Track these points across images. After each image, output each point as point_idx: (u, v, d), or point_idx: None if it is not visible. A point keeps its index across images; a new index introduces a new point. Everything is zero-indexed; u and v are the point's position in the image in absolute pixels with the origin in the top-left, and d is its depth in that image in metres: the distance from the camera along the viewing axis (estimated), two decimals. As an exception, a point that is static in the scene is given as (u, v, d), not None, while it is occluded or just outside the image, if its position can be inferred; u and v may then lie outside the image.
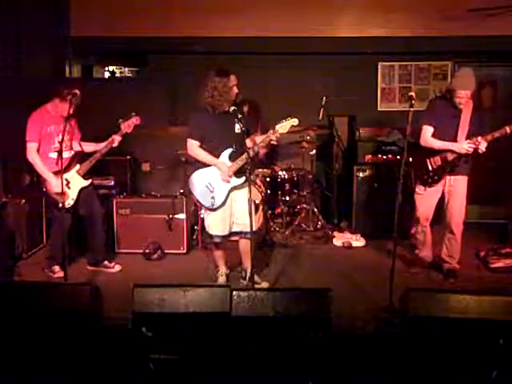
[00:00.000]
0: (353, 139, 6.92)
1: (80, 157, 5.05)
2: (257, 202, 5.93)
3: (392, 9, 6.83)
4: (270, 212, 6.39)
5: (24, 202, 5.57)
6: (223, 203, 4.60)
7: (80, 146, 5.07)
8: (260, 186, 6.12)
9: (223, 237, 4.73)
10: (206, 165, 4.62)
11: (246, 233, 4.59)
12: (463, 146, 4.62)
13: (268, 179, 6.41)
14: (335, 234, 6.23)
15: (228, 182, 4.56)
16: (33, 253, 5.67)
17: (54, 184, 4.81)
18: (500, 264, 5.20)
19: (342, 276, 5.08)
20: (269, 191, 6.35)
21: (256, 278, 4.64)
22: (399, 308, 3.73)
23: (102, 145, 4.99)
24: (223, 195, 4.59)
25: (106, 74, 8.83)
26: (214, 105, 4.50)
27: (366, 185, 6.36)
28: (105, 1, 7.02)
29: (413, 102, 4.29)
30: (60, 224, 4.80)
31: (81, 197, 5.01)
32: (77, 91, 4.66)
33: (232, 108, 4.40)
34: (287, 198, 6.38)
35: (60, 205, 4.79)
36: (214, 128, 4.52)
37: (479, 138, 4.55)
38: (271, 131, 4.49)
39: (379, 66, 7.32)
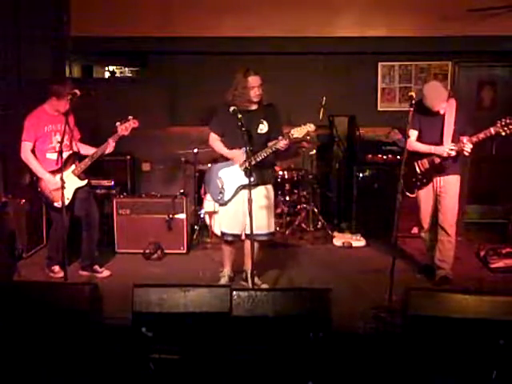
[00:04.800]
0: (353, 139, 6.92)
1: (76, 157, 5.02)
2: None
3: (392, 9, 6.83)
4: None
5: (24, 202, 5.57)
6: (230, 199, 4.62)
7: (77, 146, 5.05)
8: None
9: (234, 236, 4.70)
10: (225, 160, 4.66)
11: (257, 235, 4.48)
12: (444, 149, 4.57)
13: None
14: (335, 234, 6.23)
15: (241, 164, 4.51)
16: (33, 253, 5.67)
17: (51, 183, 4.80)
18: (500, 264, 5.20)
19: (341, 276, 5.08)
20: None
21: (256, 279, 4.63)
22: (399, 308, 3.73)
23: (99, 148, 4.98)
24: (231, 191, 4.61)
25: (106, 74, 8.84)
26: (235, 103, 4.47)
27: (366, 185, 6.36)
28: (105, 1, 7.02)
29: (413, 101, 4.28)
30: (59, 224, 4.80)
31: (77, 198, 4.99)
32: (77, 91, 4.65)
33: (232, 108, 4.32)
34: (287, 198, 6.38)
35: (55, 204, 4.80)
36: (234, 126, 4.38)
37: (464, 140, 4.46)
38: (285, 136, 4.44)
39: (379, 66, 7.32)
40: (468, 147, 4.46)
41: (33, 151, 4.87)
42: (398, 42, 6.95)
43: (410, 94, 4.38)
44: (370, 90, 7.30)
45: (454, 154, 4.56)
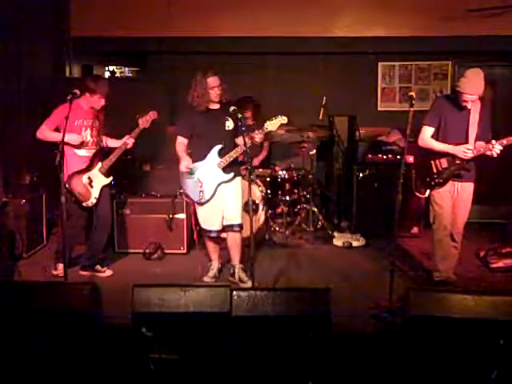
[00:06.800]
0: (353, 139, 6.91)
1: (102, 154, 4.99)
2: (257, 201, 5.94)
3: (392, 9, 6.84)
4: (270, 212, 6.39)
5: (24, 202, 5.57)
6: (211, 197, 4.73)
7: (106, 142, 5.05)
8: (260, 186, 6.13)
9: (217, 231, 4.85)
10: (196, 160, 4.73)
11: (232, 226, 4.76)
12: (460, 149, 4.41)
13: (268, 179, 6.41)
14: (335, 234, 6.23)
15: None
16: (33, 253, 5.67)
17: (76, 141, 4.70)
18: (500, 264, 5.19)
19: (342, 276, 5.08)
20: (269, 191, 6.35)
21: (243, 275, 4.81)
22: (399, 308, 3.73)
23: (120, 142, 4.97)
24: (211, 190, 4.72)
25: (106, 74, 8.83)
26: (194, 104, 4.62)
27: (366, 185, 6.36)
28: (105, 1, 7.03)
29: (413, 101, 4.27)
30: (76, 221, 4.78)
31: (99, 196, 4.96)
32: (77, 91, 4.61)
33: (232, 108, 4.44)
34: (287, 198, 6.38)
35: (84, 204, 4.78)
36: (203, 125, 4.64)
37: (494, 141, 4.31)
38: (260, 130, 4.60)
39: (379, 66, 7.32)
40: (497, 148, 4.31)
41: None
42: (397, 42, 6.95)
43: (410, 94, 4.37)
44: (369, 90, 7.31)
45: (467, 157, 4.39)
